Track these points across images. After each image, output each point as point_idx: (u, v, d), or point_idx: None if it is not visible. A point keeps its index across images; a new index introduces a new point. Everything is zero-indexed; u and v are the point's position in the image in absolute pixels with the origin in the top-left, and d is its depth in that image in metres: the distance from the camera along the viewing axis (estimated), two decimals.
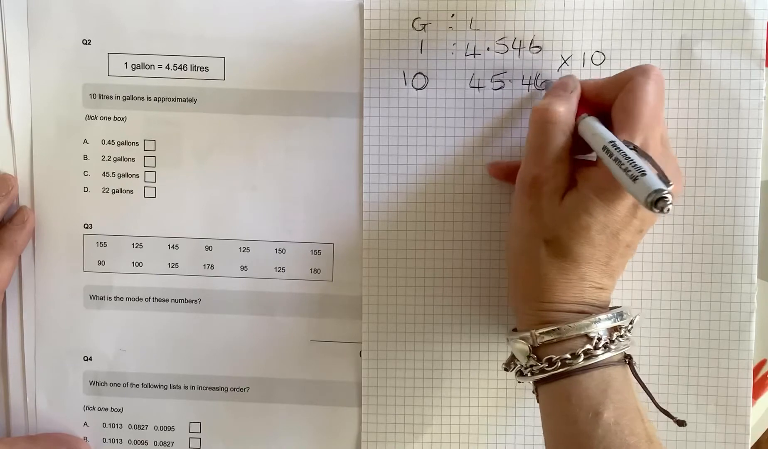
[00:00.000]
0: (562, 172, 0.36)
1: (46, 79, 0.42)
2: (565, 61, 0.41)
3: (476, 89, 0.41)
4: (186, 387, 0.43)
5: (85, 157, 0.42)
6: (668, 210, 0.30)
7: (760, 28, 0.40)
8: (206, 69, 0.42)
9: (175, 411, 0.44)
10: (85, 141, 0.42)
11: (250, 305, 0.43)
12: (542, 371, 0.35)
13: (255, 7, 0.41)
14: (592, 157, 0.37)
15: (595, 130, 0.35)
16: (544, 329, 0.35)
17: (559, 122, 0.35)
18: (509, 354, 0.38)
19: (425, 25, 0.41)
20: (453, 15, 0.41)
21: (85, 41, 0.42)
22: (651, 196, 0.30)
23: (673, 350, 0.42)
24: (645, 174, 0.31)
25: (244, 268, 0.43)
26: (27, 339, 0.43)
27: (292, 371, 0.43)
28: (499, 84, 0.41)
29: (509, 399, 0.43)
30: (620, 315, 0.36)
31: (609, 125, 0.36)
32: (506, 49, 0.41)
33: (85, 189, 0.43)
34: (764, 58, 0.40)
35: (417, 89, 0.42)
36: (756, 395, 0.43)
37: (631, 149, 0.33)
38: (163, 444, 0.44)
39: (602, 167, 0.34)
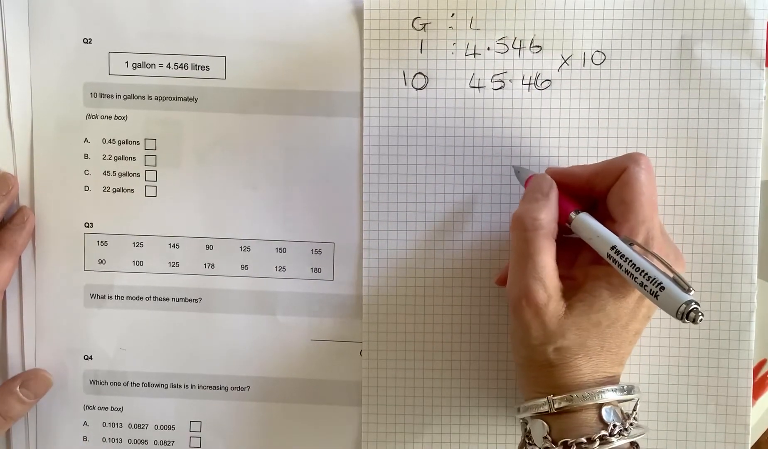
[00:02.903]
0: (554, 278, 0.35)
1: (47, 78, 0.42)
2: (565, 61, 0.41)
3: (476, 89, 0.41)
4: (186, 386, 0.43)
5: (86, 156, 0.42)
6: (701, 320, 0.30)
7: (760, 28, 0.40)
8: (207, 68, 0.42)
9: (175, 410, 0.44)
10: (86, 140, 0.42)
11: (250, 305, 0.43)
12: None
13: (256, 7, 0.41)
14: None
15: (593, 231, 0.35)
16: (558, 397, 0.35)
17: (541, 228, 0.35)
18: (521, 438, 0.38)
19: (425, 24, 0.41)
20: (453, 15, 0.41)
21: (85, 40, 0.42)
22: (681, 309, 0.30)
23: (673, 350, 0.42)
24: (664, 288, 0.31)
25: (244, 267, 0.43)
26: (27, 338, 0.43)
27: (293, 370, 0.43)
28: (499, 84, 0.41)
29: (509, 399, 0.43)
30: (631, 389, 0.36)
31: (603, 214, 0.36)
32: (506, 49, 0.41)
33: (86, 188, 0.43)
34: (764, 58, 0.40)
35: (417, 89, 0.42)
36: (756, 395, 0.43)
37: (629, 244, 0.33)
38: (164, 443, 0.44)
39: (610, 266, 0.34)
